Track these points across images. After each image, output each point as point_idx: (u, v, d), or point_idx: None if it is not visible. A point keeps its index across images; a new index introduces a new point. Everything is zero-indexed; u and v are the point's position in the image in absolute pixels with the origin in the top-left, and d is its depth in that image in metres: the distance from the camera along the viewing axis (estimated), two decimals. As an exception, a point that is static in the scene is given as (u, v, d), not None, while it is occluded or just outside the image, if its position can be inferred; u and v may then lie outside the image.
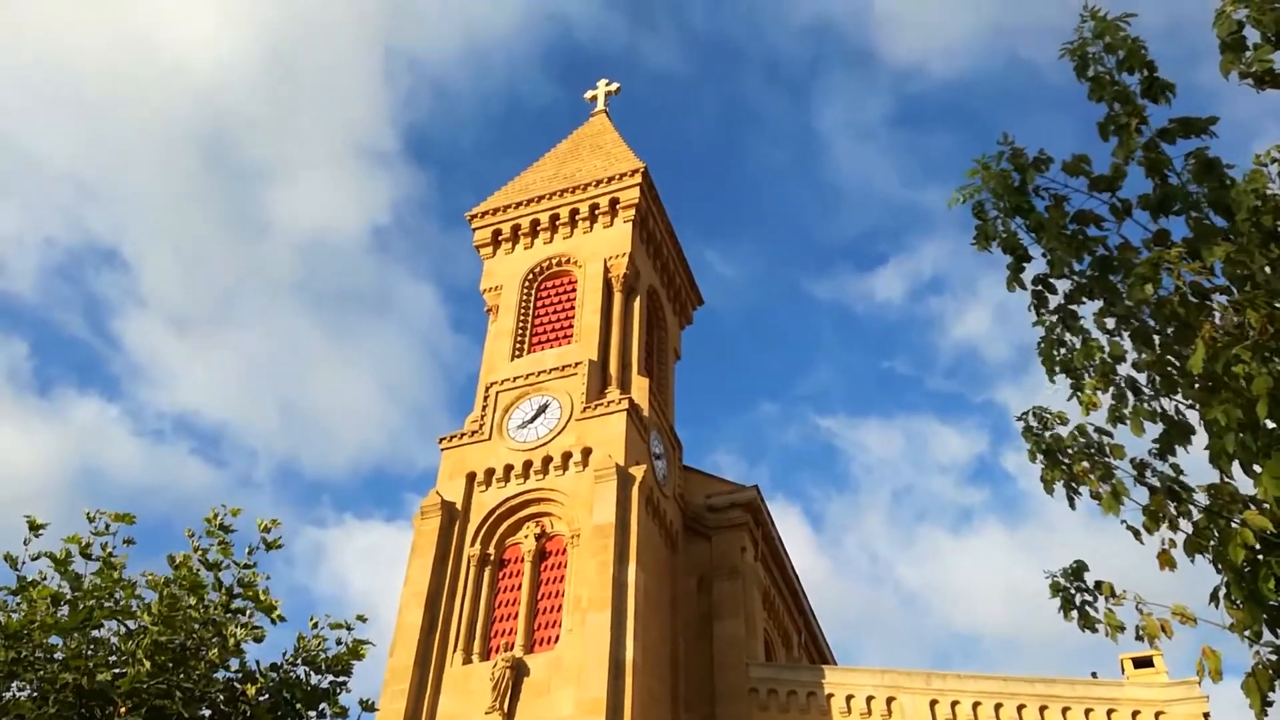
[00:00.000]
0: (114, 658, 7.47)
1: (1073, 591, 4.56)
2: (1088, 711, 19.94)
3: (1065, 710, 20.08)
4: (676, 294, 31.05)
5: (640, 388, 25.09)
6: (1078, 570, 4.57)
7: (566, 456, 22.95)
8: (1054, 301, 4.83)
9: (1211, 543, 4.04)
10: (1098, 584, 4.56)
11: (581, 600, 20.43)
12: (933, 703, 20.70)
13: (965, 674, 21.21)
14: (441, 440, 24.48)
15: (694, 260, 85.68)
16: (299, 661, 8.28)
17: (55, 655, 7.37)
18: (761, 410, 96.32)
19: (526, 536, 22.44)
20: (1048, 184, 4.62)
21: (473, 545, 22.39)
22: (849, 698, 21.28)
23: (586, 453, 22.77)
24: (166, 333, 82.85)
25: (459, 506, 22.95)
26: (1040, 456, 4.58)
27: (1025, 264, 4.76)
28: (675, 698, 21.96)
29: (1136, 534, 4.45)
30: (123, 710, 6.98)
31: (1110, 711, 19.80)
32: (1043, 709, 20.18)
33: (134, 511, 8.27)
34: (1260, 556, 3.81)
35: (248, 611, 8.15)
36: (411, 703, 19.83)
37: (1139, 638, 4.33)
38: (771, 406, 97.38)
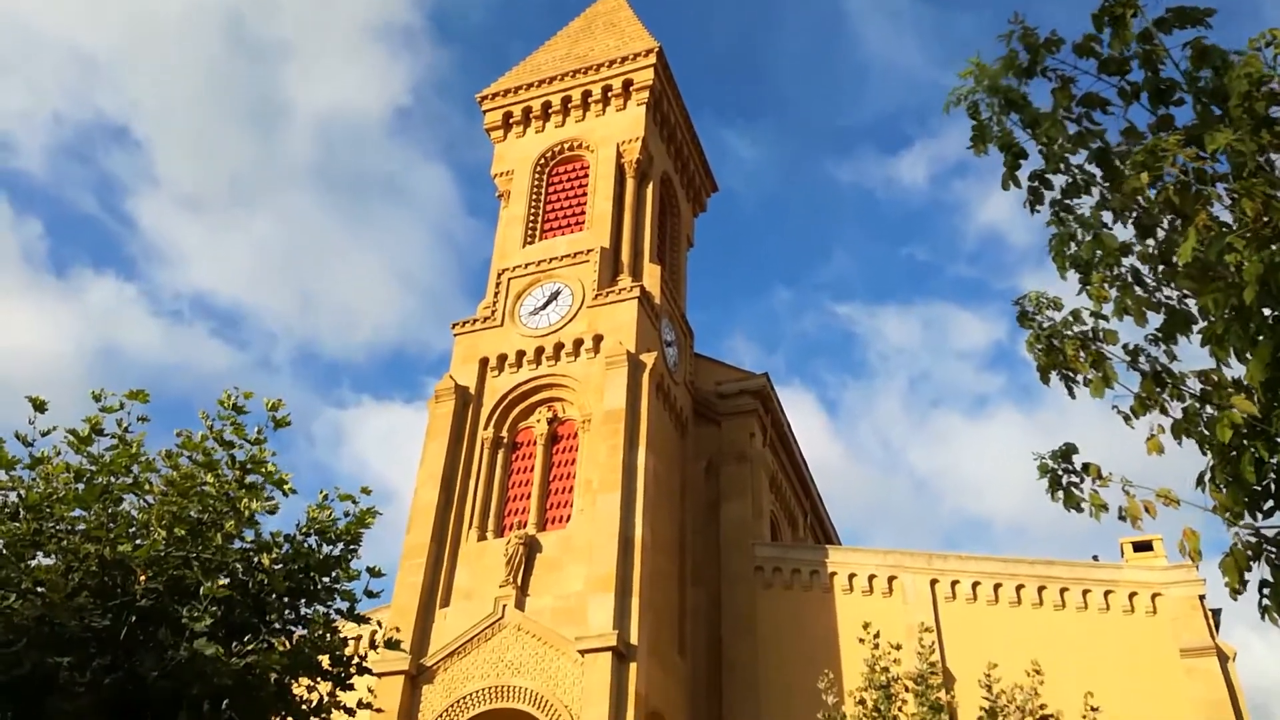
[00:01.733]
0: (134, 529, 7.75)
1: (1060, 473, 4.63)
2: (1085, 593, 20.48)
3: (1064, 591, 20.63)
4: (690, 180, 30.60)
5: (652, 275, 25.02)
6: (1066, 452, 4.63)
7: (578, 343, 23.10)
8: (1049, 198, 4.75)
9: (1199, 427, 4.08)
10: (1085, 466, 4.63)
11: (592, 482, 20.91)
12: (933, 582, 21.30)
13: (966, 555, 21.75)
14: (454, 326, 24.64)
15: (712, 142, 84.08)
16: (310, 532, 8.55)
17: (77, 528, 7.66)
18: (778, 296, 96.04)
19: (539, 420, 22.80)
20: (1057, 65, 4.48)
21: (486, 428, 22.79)
22: (851, 576, 21.90)
23: (598, 339, 22.90)
24: (181, 214, 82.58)
25: (472, 391, 23.26)
26: (1037, 344, 4.59)
27: (1022, 160, 4.66)
28: (683, 576, 22.68)
29: (1126, 419, 4.50)
30: (143, 579, 7.29)
31: (1108, 593, 20.33)
32: (1041, 589, 20.73)
33: (155, 390, 8.45)
34: (1245, 441, 3.86)
35: (260, 486, 8.39)
36: (429, 576, 20.60)
37: (1121, 518, 4.42)
38: (788, 293, 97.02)
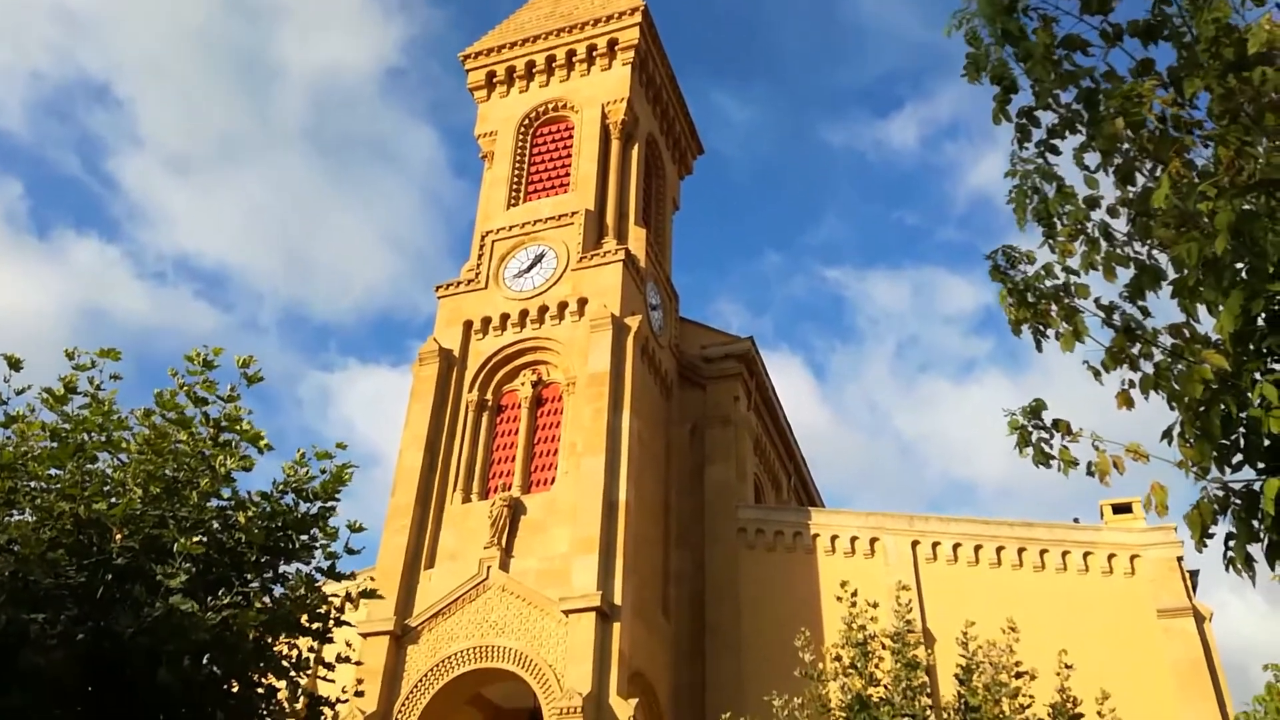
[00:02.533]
0: (109, 488, 7.70)
1: (1030, 429, 4.63)
2: (1065, 554, 20.71)
3: (1043, 552, 20.86)
4: (676, 142, 30.35)
5: (637, 238, 24.89)
6: (1036, 408, 4.62)
7: (562, 306, 23.02)
8: (1037, 135, 4.70)
9: (1170, 382, 4.07)
10: (1055, 422, 4.63)
11: (577, 445, 20.93)
12: (914, 544, 21.50)
13: (947, 517, 21.94)
14: (438, 289, 24.49)
15: (703, 104, 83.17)
16: (287, 490, 8.51)
17: (52, 486, 7.60)
18: (768, 260, 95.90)
19: (523, 384, 22.77)
20: (1039, 4, 4.41)
21: (470, 391, 22.75)
22: (833, 538, 22.08)
23: (582, 302, 22.82)
24: (165, 174, 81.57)
25: (456, 353, 23.19)
26: (1009, 297, 4.56)
27: (1012, 95, 4.59)
28: (667, 538, 22.82)
29: (1096, 374, 4.49)
30: (119, 537, 7.26)
31: (1087, 554, 20.56)
32: (1021, 551, 20.95)
33: (140, 353, 8.40)
34: (1214, 395, 3.86)
35: (235, 444, 8.34)
36: (413, 538, 20.65)
37: (1090, 473, 4.43)
38: (778, 256, 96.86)
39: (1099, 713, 9.81)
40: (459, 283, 24.31)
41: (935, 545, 21.47)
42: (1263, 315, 3.63)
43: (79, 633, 6.71)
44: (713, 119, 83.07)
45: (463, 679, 19.02)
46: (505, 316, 23.39)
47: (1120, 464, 4.30)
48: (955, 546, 21.36)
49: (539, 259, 24.12)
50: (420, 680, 18.89)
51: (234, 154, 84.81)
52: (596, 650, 18.00)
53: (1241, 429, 3.94)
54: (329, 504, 9.00)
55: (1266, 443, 3.80)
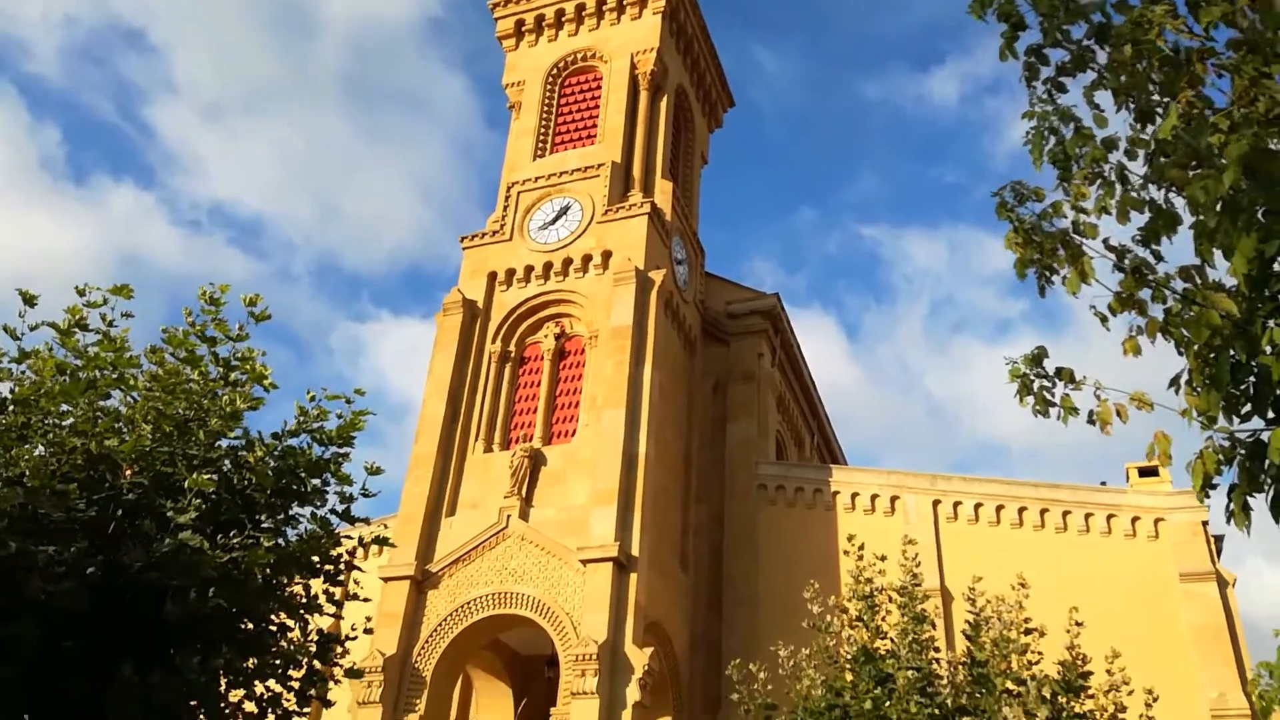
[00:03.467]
0: (120, 424, 7.78)
1: (1032, 377, 4.50)
2: (1088, 516, 20.51)
3: (1066, 514, 20.66)
4: (706, 95, 29.89)
5: (664, 192, 24.64)
6: (1038, 356, 4.48)
7: (586, 259, 22.90)
8: (1046, 74, 4.50)
9: (1179, 328, 3.92)
10: (1058, 370, 4.49)
11: (597, 398, 20.94)
12: (935, 503, 21.37)
13: (969, 476, 21.77)
14: (463, 239, 24.45)
15: (737, 56, 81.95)
16: (300, 432, 8.56)
17: (64, 422, 7.69)
18: (803, 216, 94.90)
19: (546, 336, 22.76)
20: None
21: (494, 342, 22.78)
22: (854, 495, 22.00)
23: (606, 255, 22.68)
24: (200, 122, 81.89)
25: (480, 305, 23.19)
26: (1016, 237, 4.40)
27: (1020, 32, 4.40)
28: (687, 492, 22.85)
29: (1104, 319, 4.34)
30: (129, 473, 7.35)
31: (1110, 517, 20.34)
32: (1043, 512, 20.77)
33: (175, 299, 8.45)
34: (1223, 342, 3.70)
35: (245, 383, 8.38)
36: (435, 486, 20.85)
37: (1091, 422, 4.30)
38: (813, 213, 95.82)
39: (1108, 671, 9.72)
40: (484, 234, 24.24)
41: (956, 505, 21.33)
42: (1278, 258, 3.46)
43: (88, 565, 6.82)
44: (747, 71, 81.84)
45: (481, 624, 19.28)
46: (529, 268, 23.31)
47: (1123, 412, 4.17)
48: (976, 506, 21.21)
49: (564, 211, 23.97)
50: (440, 624, 19.18)
51: (268, 102, 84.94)
52: (613, 599, 18.15)
53: (1252, 378, 3.79)
54: (343, 449, 9.04)
55: (1278, 392, 3.65)
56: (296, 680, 8.62)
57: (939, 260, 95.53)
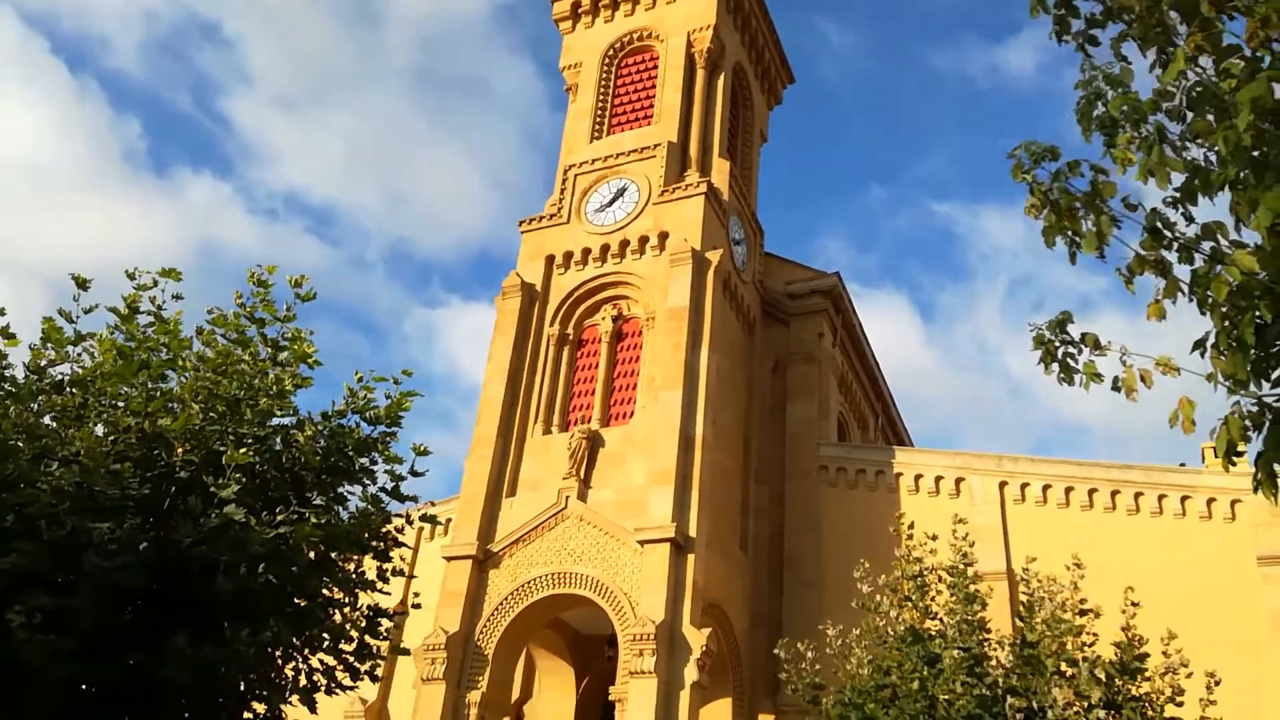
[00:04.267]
0: (173, 404, 8.05)
1: (1057, 344, 4.34)
2: (1162, 498, 19.84)
3: (1138, 496, 20.02)
4: (765, 71, 29.50)
5: (721, 171, 24.43)
6: (1062, 321, 4.32)
7: (643, 240, 22.87)
8: (1076, 27, 4.31)
9: (1206, 290, 3.73)
10: (1083, 335, 4.32)
11: (655, 379, 20.94)
12: (1002, 485, 20.90)
13: (1038, 458, 21.22)
14: (521, 223, 24.63)
15: (802, 30, 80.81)
16: (348, 412, 8.76)
17: (119, 403, 7.99)
18: (873, 194, 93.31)
19: (604, 318, 22.82)
20: None
21: (552, 325, 22.94)
22: (918, 477, 21.64)
23: (663, 237, 22.61)
24: (274, 112, 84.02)
25: (539, 288, 23.36)
26: (1032, 197, 4.23)
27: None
28: (746, 473, 22.75)
29: (1127, 281, 4.15)
30: (180, 451, 7.60)
31: (1185, 499, 19.64)
32: (1114, 493, 20.15)
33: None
34: (1249, 301, 3.51)
35: (293, 362, 8.59)
36: (495, 467, 21.13)
37: (1116, 389, 4.13)
38: (883, 190, 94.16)
39: (1164, 654, 9.40)
40: (542, 217, 24.38)
41: (1024, 486, 20.82)
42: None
43: (142, 541, 7.09)
44: (812, 45, 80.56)
45: (541, 603, 19.52)
46: (586, 251, 23.38)
47: (1148, 378, 4.00)
48: (1045, 488, 20.67)
49: (621, 193, 23.95)
50: (501, 603, 19.47)
51: (339, 92, 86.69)
52: (670, 580, 18.19)
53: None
54: (391, 428, 9.22)
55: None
56: (348, 654, 8.86)
57: (1016, 237, 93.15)
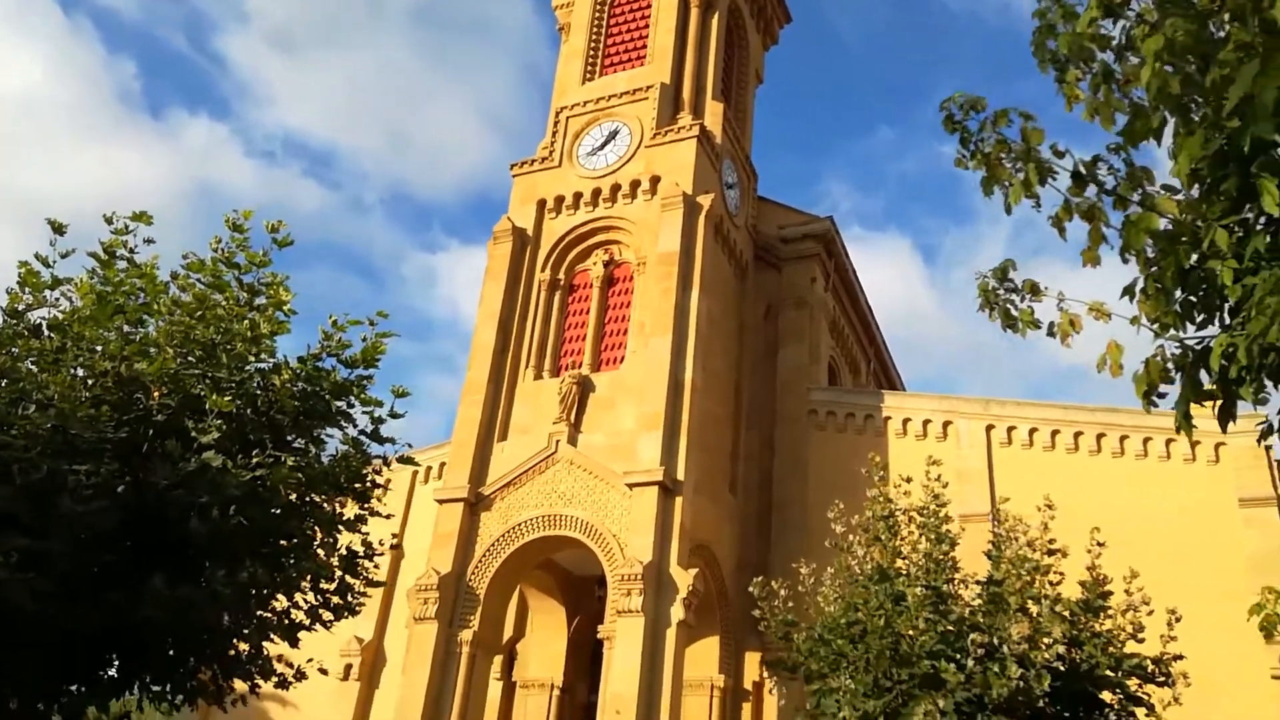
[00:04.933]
0: (152, 349, 8.14)
1: (1001, 291, 4.39)
2: (1146, 440, 19.98)
3: (1123, 439, 20.17)
4: (761, 10, 29.02)
5: (714, 114, 24.18)
6: (1004, 269, 4.37)
7: (635, 184, 22.73)
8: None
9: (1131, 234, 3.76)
10: (1024, 282, 4.37)
11: (645, 325, 20.99)
12: (989, 428, 21.07)
13: (1025, 401, 21.36)
14: (513, 166, 24.46)
15: (801, -27, 79.25)
16: (323, 355, 8.83)
17: (96, 347, 8.08)
18: (879, 136, 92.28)
19: (595, 263, 22.79)
20: None
21: (543, 270, 22.92)
22: (905, 421, 21.81)
23: (655, 181, 22.47)
24: (271, 52, 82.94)
25: (530, 232, 23.29)
26: (963, 149, 4.24)
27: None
28: (737, 417, 22.91)
29: (1061, 229, 4.19)
30: (156, 395, 7.70)
31: (1169, 441, 19.78)
32: (1100, 436, 20.31)
33: (254, 230, 8.72)
34: (1170, 245, 3.55)
35: (269, 308, 8.66)
36: (487, 412, 21.31)
37: (1051, 334, 4.19)
38: (890, 131, 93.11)
39: (1126, 591, 9.60)
40: (533, 160, 24.20)
41: (1010, 430, 20.99)
42: (1215, 156, 3.29)
43: (119, 484, 7.22)
44: (816, -13, 79.04)
45: (532, 545, 19.82)
46: (578, 195, 23.25)
47: (1078, 323, 4.07)
48: (1031, 431, 20.84)
49: (613, 135, 23.75)
50: (492, 545, 19.78)
51: (337, 32, 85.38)
52: (658, 522, 18.45)
53: (1205, 285, 3.65)
54: (367, 371, 9.31)
55: (1230, 301, 3.51)
56: (329, 593, 9.07)
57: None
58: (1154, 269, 3.66)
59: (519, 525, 19.78)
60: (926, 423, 21.69)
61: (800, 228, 25.45)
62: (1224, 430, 3.59)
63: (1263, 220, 3.27)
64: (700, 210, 21.92)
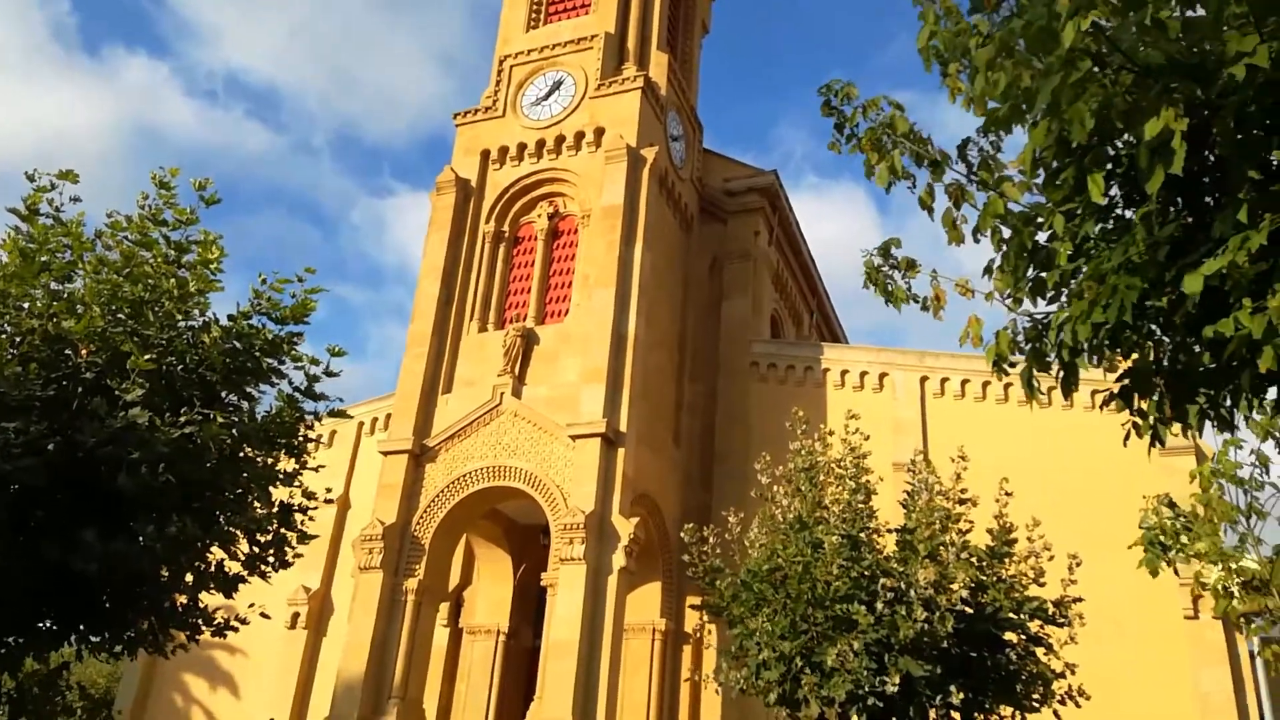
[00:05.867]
0: (80, 307, 8.17)
1: (885, 268, 4.68)
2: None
3: (1051, 389, 20.83)
4: (708, -40, 28.81)
5: (659, 64, 24.14)
6: (886, 247, 4.65)
7: (579, 136, 22.71)
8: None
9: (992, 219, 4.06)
10: (902, 259, 4.66)
11: (589, 278, 21.15)
12: (923, 379, 21.67)
13: (958, 354, 21.94)
14: (456, 116, 24.26)
15: (753, -79, 78.31)
16: (253, 313, 8.93)
17: (22, 304, 8.09)
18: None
19: (540, 215, 22.82)
20: None
21: (488, 222, 22.91)
22: (844, 372, 22.33)
23: (599, 132, 22.47)
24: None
25: (474, 184, 23.21)
26: (836, 134, 4.49)
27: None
28: (681, 370, 23.27)
29: (929, 210, 4.47)
30: (84, 353, 7.77)
31: (1094, 392, 20.51)
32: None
33: (196, 173, 8.67)
34: (1018, 228, 3.85)
35: (199, 265, 8.71)
36: (431, 364, 21.42)
37: (924, 308, 4.50)
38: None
39: (1028, 538, 10.17)
40: (477, 110, 24.01)
41: (944, 381, 21.62)
42: (1058, 145, 3.57)
43: (48, 442, 7.32)
44: (769, -67, 78.16)
45: (478, 495, 20.12)
46: (523, 146, 23.18)
47: (943, 297, 4.37)
48: (964, 382, 21.49)
49: (557, 86, 23.63)
50: (437, 496, 20.04)
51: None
52: (601, 473, 18.83)
53: (1057, 264, 3.96)
54: (297, 330, 9.43)
55: (1068, 275, 3.83)
56: (265, 544, 9.28)
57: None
58: (1004, 249, 3.96)
59: (464, 476, 20.05)
60: (864, 374, 22.24)
61: (745, 180, 25.64)
62: (1065, 398, 3.93)
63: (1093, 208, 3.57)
64: (644, 163, 21.99)
